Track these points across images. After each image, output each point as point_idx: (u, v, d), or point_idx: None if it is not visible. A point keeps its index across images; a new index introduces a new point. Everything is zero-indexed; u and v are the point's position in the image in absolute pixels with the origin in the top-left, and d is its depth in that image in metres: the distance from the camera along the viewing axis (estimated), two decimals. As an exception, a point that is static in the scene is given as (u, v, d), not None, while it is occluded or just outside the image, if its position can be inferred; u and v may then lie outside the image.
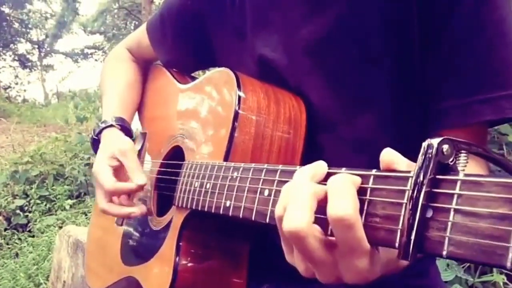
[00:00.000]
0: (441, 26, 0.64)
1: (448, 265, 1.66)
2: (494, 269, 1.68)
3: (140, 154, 1.06)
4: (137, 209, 0.89)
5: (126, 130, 0.98)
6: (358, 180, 0.42)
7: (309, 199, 0.42)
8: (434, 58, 0.66)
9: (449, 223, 0.34)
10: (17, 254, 3.85)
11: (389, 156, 0.42)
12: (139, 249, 0.93)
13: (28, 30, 24.21)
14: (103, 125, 0.97)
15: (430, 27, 0.65)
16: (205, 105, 0.83)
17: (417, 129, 0.70)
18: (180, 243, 0.77)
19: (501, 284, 1.66)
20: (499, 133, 2.23)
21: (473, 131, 0.66)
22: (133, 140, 1.00)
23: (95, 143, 0.98)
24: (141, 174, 0.88)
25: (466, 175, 0.34)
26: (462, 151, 0.36)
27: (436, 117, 0.67)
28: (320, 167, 0.46)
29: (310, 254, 0.43)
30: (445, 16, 0.64)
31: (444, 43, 0.65)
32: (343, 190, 0.40)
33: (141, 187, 0.88)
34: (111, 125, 0.97)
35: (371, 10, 0.69)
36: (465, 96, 0.64)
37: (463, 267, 1.69)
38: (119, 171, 0.91)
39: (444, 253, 0.34)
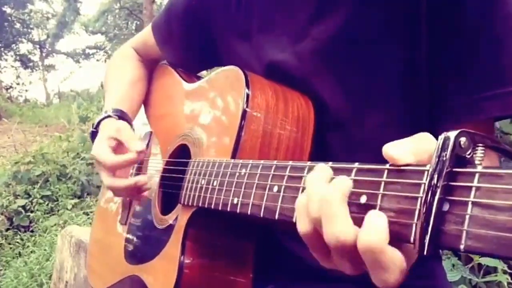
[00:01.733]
0: (449, 23, 0.64)
1: (453, 265, 1.66)
2: (499, 269, 1.68)
3: (146, 152, 1.05)
4: (142, 177, 0.90)
5: (124, 120, 0.98)
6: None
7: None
8: (442, 56, 0.66)
9: (467, 216, 0.33)
10: (19, 254, 3.85)
11: (390, 153, 0.41)
12: (143, 247, 0.93)
13: (29, 30, 24.25)
14: (101, 116, 0.98)
15: (438, 25, 0.65)
16: (213, 103, 0.83)
17: (426, 127, 0.69)
18: (186, 242, 0.76)
19: (505, 284, 1.66)
20: (502, 132, 2.23)
21: (481, 127, 0.65)
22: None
23: (94, 135, 0.98)
24: (137, 141, 0.90)
25: (484, 167, 0.33)
26: (479, 144, 0.35)
27: (444, 114, 0.67)
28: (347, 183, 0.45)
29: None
30: (453, 13, 0.63)
31: (452, 40, 0.64)
32: (374, 221, 0.40)
33: (140, 154, 0.89)
34: (109, 116, 0.97)
35: (379, 9, 0.69)
36: (473, 92, 0.64)
37: (467, 267, 1.69)
38: (118, 150, 0.92)
39: (462, 246, 0.33)
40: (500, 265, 1.66)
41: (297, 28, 0.77)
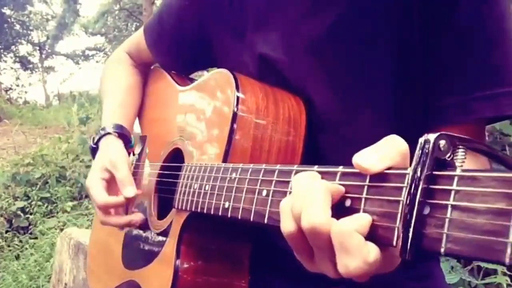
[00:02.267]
0: (442, 24, 0.64)
1: (452, 267, 1.66)
2: (498, 271, 1.68)
3: (140, 157, 1.05)
4: (136, 217, 0.90)
5: (124, 137, 0.98)
6: (366, 223, 0.41)
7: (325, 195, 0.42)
8: (434, 56, 0.66)
9: (447, 220, 0.33)
10: (18, 256, 3.86)
11: (360, 166, 0.42)
12: (140, 252, 0.93)
13: (29, 32, 24.23)
14: (101, 133, 0.97)
15: (431, 25, 0.65)
16: (204, 106, 0.83)
17: (419, 127, 0.69)
18: (180, 246, 0.76)
19: (505, 285, 1.66)
20: (502, 133, 2.23)
21: (471, 128, 0.66)
22: (132, 147, 1.00)
23: (94, 151, 0.98)
24: (130, 187, 0.88)
25: (463, 170, 0.33)
26: (460, 147, 0.35)
27: (435, 114, 0.67)
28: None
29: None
30: (446, 13, 0.63)
31: (445, 41, 0.64)
32: (351, 248, 0.40)
33: (130, 200, 0.88)
34: (109, 133, 0.96)
35: (371, 8, 0.69)
36: (464, 93, 0.64)
37: (467, 269, 1.69)
38: (111, 183, 0.91)
39: (442, 250, 0.33)
40: (500, 267, 1.66)
41: (289, 26, 0.77)
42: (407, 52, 0.67)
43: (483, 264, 1.66)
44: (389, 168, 0.40)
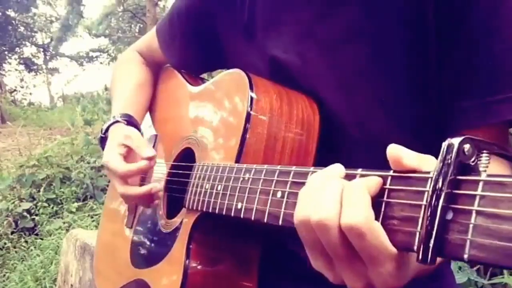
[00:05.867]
0: (459, 25, 0.63)
1: (460, 267, 1.65)
2: (505, 271, 1.67)
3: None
4: (155, 184, 0.90)
5: (132, 125, 0.98)
6: (375, 185, 0.41)
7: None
8: (451, 58, 0.64)
9: (471, 226, 0.33)
10: (24, 257, 3.86)
11: (396, 152, 0.41)
12: (149, 251, 0.93)
13: (33, 34, 24.30)
14: (110, 121, 0.98)
15: (445, 26, 0.64)
16: (217, 106, 0.83)
17: (432, 129, 0.68)
18: (190, 246, 0.76)
19: (512, 286, 1.65)
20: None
21: (493, 131, 0.64)
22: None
23: (103, 141, 0.98)
24: (148, 148, 0.89)
25: (488, 175, 0.33)
26: (484, 151, 0.35)
27: (455, 117, 0.65)
28: (338, 167, 0.46)
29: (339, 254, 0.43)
30: (463, 14, 0.62)
31: (462, 42, 0.63)
32: (356, 199, 0.40)
33: (151, 159, 0.88)
34: (117, 121, 0.97)
35: (385, 10, 0.68)
36: (485, 95, 0.62)
37: (474, 269, 1.68)
38: (129, 157, 0.92)
39: (466, 256, 0.33)
40: (507, 267, 1.65)
41: (301, 28, 0.76)
42: (420, 54, 0.66)
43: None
44: (412, 171, 0.39)
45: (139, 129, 0.99)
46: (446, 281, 0.83)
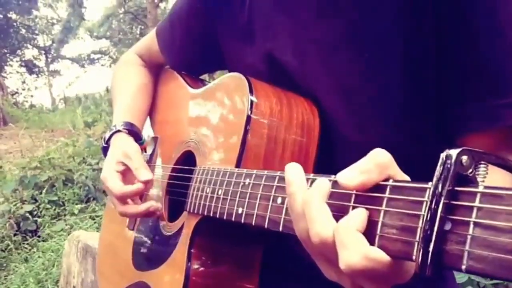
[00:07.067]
0: (460, 29, 0.62)
1: (460, 268, 1.65)
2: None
3: (151, 158, 1.06)
4: (153, 203, 0.90)
5: (134, 134, 0.99)
6: (362, 219, 0.42)
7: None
8: (453, 61, 0.64)
9: (469, 237, 0.33)
10: (26, 259, 3.87)
11: (339, 179, 0.44)
12: (151, 254, 0.94)
13: (34, 36, 24.35)
14: (112, 131, 0.98)
15: (445, 30, 0.63)
16: (217, 110, 0.83)
17: (431, 133, 0.68)
18: (192, 249, 0.77)
19: (513, 286, 1.65)
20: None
21: (498, 136, 0.64)
22: (142, 144, 1.01)
23: (106, 150, 0.99)
24: (145, 171, 0.89)
25: (486, 187, 0.33)
26: (482, 162, 0.35)
27: (459, 121, 0.65)
28: (324, 185, 0.47)
29: None
30: (464, 18, 0.62)
31: (464, 46, 0.63)
32: (348, 243, 0.41)
33: (147, 183, 0.88)
34: (119, 131, 0.98)
35: (383, 14, 0.67)
36: (489, 99, 0.62)
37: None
38: (127, 175, 0.92)
39: (464, 267, 0.33)
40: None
41: (299, 30, 0.76)
42: (419, 57, 0.66)
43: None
44: (409, 181, 0.40)
45: (140, 137, 1.00)
46: (448, 282, 0.83)
